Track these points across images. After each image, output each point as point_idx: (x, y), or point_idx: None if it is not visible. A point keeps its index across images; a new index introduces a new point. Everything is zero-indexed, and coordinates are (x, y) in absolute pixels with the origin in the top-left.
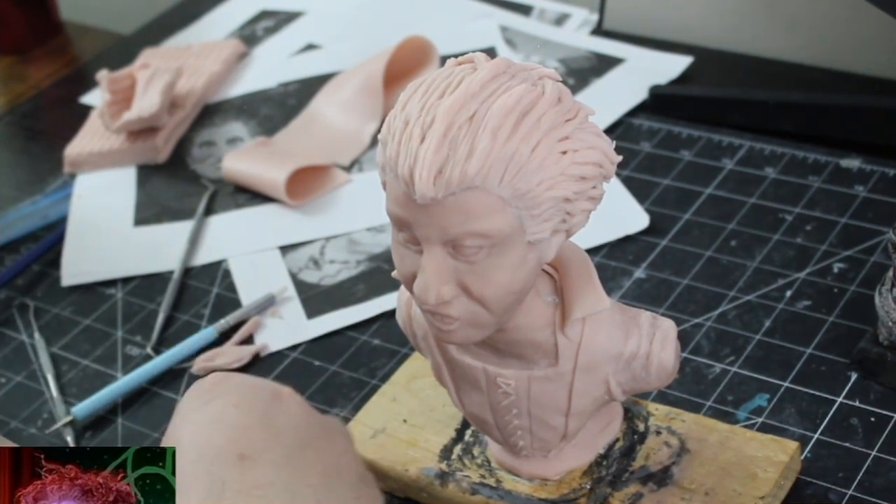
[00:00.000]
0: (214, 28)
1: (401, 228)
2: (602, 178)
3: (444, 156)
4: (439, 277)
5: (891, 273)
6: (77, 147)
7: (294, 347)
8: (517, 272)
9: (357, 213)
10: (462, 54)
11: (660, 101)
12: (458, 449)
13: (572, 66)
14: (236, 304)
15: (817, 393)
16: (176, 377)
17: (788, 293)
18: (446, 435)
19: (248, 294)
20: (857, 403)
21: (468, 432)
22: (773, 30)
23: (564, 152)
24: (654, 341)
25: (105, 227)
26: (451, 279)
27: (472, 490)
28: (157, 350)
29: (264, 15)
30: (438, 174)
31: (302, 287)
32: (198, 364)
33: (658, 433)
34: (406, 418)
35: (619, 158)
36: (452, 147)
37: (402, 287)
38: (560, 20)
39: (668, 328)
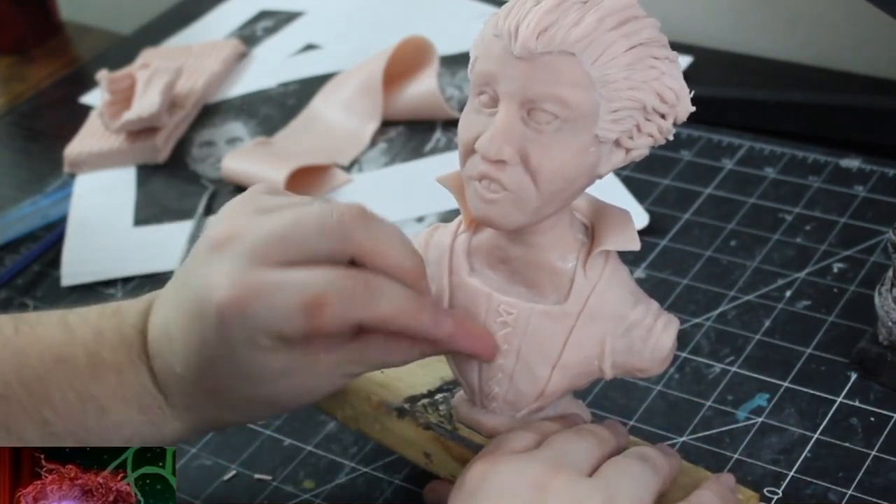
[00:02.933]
0: (214, 28)
1: (483, 88)
2: (675, 115)
3: (553, 18)
4: (506, 134)
5: (891, 273)
6: (77, 147)
7: None
8: (576, 158)
9: None
10: (462, 54)
11: None
12: (425, 401)
13: None
14: None
15: (817, 393)
16: None
17: (788, 293)
18: (418, 390)
19: None
20: (857, 403)
21: (440, 396)
22: (773, 30)
23: (653, 67)
24: (659, 320)
25: (105, 227)
26: (516, 144)
27: (426, 425)
28: None
29: (264, 15)
30: (543, 31)
31: None
32: None
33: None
34: (385, 371)
35: (693, 109)
36: (563, 14)
37: (424, 231)
38: None
39: (673, 318)
